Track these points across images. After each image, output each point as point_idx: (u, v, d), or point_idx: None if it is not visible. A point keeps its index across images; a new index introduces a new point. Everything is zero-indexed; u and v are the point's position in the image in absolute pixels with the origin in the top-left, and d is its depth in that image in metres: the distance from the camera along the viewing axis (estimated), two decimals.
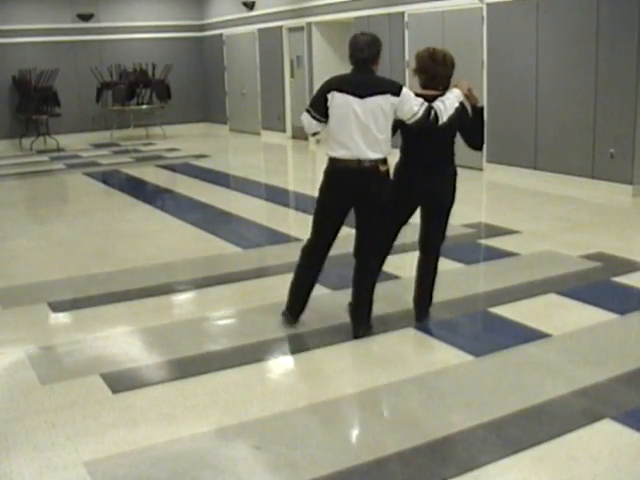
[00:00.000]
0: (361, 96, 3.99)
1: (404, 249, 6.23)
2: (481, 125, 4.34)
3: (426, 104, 4.02)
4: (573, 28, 8.38)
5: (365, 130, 4.01)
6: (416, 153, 4.28)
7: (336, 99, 4.03)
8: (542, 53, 8.79)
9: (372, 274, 4.32)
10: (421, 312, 4.54)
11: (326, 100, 4.06)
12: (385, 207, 4.18)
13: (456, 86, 4.21)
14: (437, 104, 4.04)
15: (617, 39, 7.87)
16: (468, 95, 4.23)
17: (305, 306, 4.49)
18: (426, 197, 4.33)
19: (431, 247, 4.45)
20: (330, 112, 4.07)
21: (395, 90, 4.01)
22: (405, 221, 4.47)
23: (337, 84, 4.08)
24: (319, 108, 4.10)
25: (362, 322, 4.33)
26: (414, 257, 5.57)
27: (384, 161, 4.10)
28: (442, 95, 4.12)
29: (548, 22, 8.67)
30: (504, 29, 9.29)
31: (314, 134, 4.33)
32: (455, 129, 4.24)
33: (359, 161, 4.03)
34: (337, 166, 4.11)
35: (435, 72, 4.18)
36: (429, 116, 4.00)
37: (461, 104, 4.19)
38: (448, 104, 4.07)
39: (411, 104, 4.00)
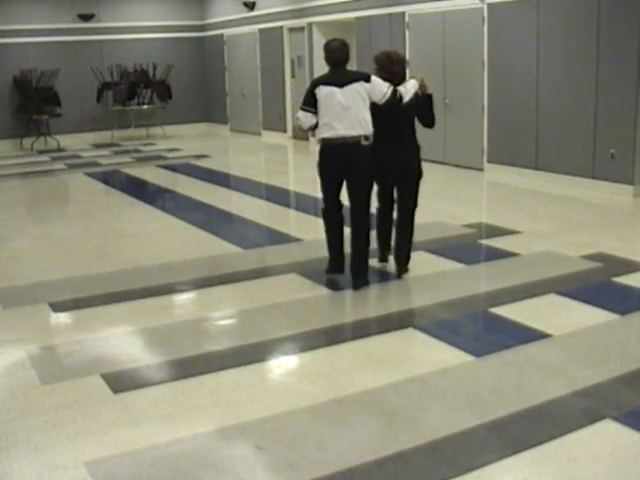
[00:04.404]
0: (341, 85, 4.96)
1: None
2: (431, 108, 5.36)
3: (392, 86, 5.04)
4: (574, 28, 8.37)
5: (347, 112, 4.93)
6: (387, 134, 5.20)
7: (322, 91, 4.98)
8: (543, 53, 8.79)
9: (365, 231, 5.15)
10: (401, 265, 5.38)
11: (314, 95, 5.00)
12: (369, 178, 5.12)
13: (413, 77, 5.29)
14: (400, 88, 5.10)
15: (618, 39, 7.87)
16: (421, 85, 5.24)
17: (344, 257, 5.27)
18: (399, 167, 5.29)
19: (404, 210, 5.38)
20: (318, 103, 5.00)
21: (366, 78, 5.03)
22: (392, 188, 5.42)
23: (321, 80, 5.10)
24: (311, 103, 5.03)
25: (360, 276, 5.17)
26: (415, 257, 5.58)
27: (365, 137, 5.00)
28: (400, 85, 5.17)
29: (549, 22, 8.67)
30: (505, 29, 9.29)
31: (311, 128, 5.14)
32: (414, 112, 5.28)
33: (344, 138, 4.96)
34: (327, 144, 5.04)
35: (392, 69, 5.25)
36: (395, 95, 5.03)
37: (415, 93, 5.17)
38: (409, 88, 5.14)
39: (381, 87, 5.02)
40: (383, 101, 5.02)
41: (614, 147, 8.05)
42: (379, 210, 5.54)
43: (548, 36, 8.70)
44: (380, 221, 5.57)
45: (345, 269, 5.29)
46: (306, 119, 5.06)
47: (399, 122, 5.25)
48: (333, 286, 5.21)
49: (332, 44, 5.10)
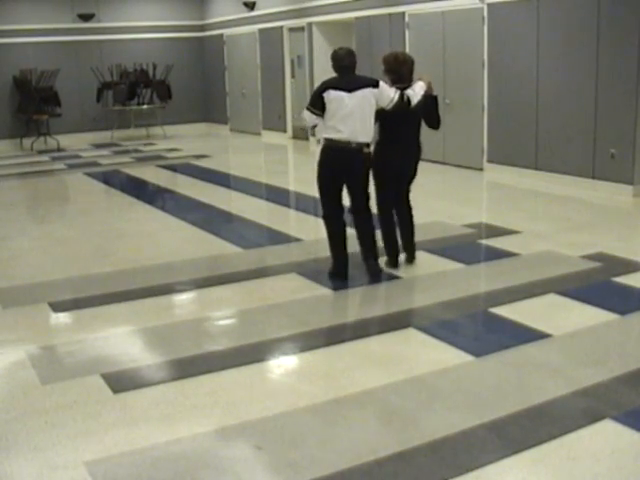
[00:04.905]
0: (349, 90, 5.03)
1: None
2: (436, 109, 5.49)
3: (399, 91, 5.15)
4: (574, 28, 8.38)
5: (354, 117, 5.01)
6: (395, 136, 5.33)
7: (331, 95, 5.03)
8: (543, 53, 8.79)
9: (369, 224, 5.33)
10: (411, 255, 5.64)
11: (322, 98, 5.04)
12: (367, 182, 5.24)
13: (420, 79, 5.33)
14: (408, 91, 5.19)
15: (618, 39, 7.87)
16: (428, 86, 5.34)
17: (348, 261, 5.33)
18: (405, 168, 5.47)
19: (407, 203, 5.62)
20: (327, 106, 5.04)
21: (374, 83, 5.11)
22: (392, 189, 5.51)
23: (330, 84, 5.11)
24: (317, 105, 5.09)
25: (372, 264, 5.32)
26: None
27: (367, 145, 5.13)
28: (409, 87, 5.25)
29: (549, 22, 8.67)
30: (505, 29, 9.29)
31: (313, 127, 5.32)
32: (421, 114, 5.39)
33: (348, 142, 5.04)
34: (330, 145, 5.12)
35: (400, 71, 5.33)
36: (403, 99, 5.13)
37: (423, 95, 5.28)
38: (417, 91, 5.24)
39: (388, 92, 5.13)
40: (390, 106, 5.12)
41: (614, 147, 8.05)
42: (386, 218, 5.52)
43: (548, 36, 8.70)
44: (390, 229, 5.53)
45: (346, 272, 5.34)
46: (311, 120, 5.18)
47: (407, 125, 5.35)
48: (336, 286, 5.22)
49: (339, 52, 5.19)
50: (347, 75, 5.13)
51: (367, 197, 5.29)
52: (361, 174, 5.18)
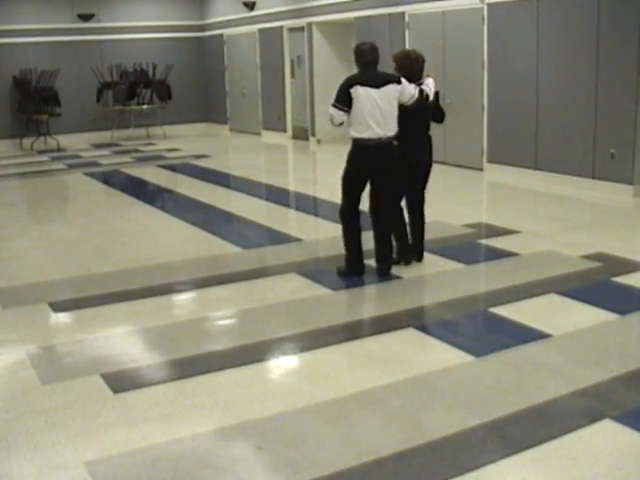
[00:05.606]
0: (377, 86, 5.07)
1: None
2: (439, 104, 5.73)
3: (419, 87, 5.30)
4: (574, 28, 8.38)
5: (383, 113, 5.09)
6: (412, 132, 5.41)
7: (359, 91, 5.04)
8: (543, 53, 8.79)
9: (391, 224, 5.41)
10: (420, 254, 5.65)
11: (349, 94, 5.05)
12: (398, 178, 5.29)
13: (428, 76, 5.51)
14: (424, 87, 5.34)
15: (618, 39, 7.87)
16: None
17: (363, 255, 5.36)
18: (421, 163, 5.56)
19: (421, 201, 5.67)
20: (354, 102, 5.06)
21: (397, 80, 5.19)
22: (411, 184, 5.57)
23: (357, 80, 5.12)
24: (344, 101, 5.08)
25: (386, 266, 5.32)
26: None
27: (395, 138, 5.21)
28: (421, 83, 5.39)
29: (549, 22, 8.67)
30: (505, 29, 9.29)
31: (340, 124, 5.21)
32: (432, 108, 5.57)
33: (380, 139, 5.10)
34: (362, 144, 5.13)
35: (410, 68, 5.43)
36: (422, 96, 5.28)
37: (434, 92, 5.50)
38: (431, 87, 5.42)
39: (410, 89, 5.24)
40: (411, 102, 5.25)
41: (614, 147, 8.05)
42: (398, 216, 5.59)
43: (548, 36, 8.70)
44: (402, 223, 5.60)
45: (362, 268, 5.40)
46: (338, 117, 5.14)
47: (422, 120, 5.52)
48: (336, 286, 5.21)
49: (363, 47, 5.21)
50: (370, 71, 5.15)
51: (398, 201, 5.44)
52: (395, 168, 5.23)
